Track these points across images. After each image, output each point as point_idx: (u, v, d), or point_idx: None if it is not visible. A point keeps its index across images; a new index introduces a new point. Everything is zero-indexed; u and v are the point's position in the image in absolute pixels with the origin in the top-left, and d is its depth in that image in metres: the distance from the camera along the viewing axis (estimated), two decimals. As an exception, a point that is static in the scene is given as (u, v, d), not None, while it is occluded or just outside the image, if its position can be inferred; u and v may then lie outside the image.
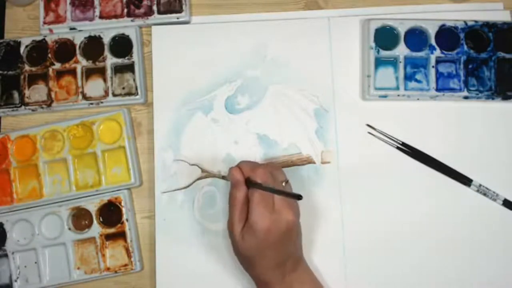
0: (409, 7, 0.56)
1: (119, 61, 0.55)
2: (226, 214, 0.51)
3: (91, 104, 0.55)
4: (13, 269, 0.52)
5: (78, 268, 0.52)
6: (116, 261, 0.52)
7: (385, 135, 0.52)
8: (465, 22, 0.53)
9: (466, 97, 0.53)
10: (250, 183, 0.43)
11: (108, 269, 0.51)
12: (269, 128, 0.54)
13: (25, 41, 0.56)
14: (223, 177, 0.51)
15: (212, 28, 0.56)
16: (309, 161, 0.52)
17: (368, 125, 0.53)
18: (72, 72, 0.55)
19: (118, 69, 0.55)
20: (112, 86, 0.55)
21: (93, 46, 0.55)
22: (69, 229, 0.52)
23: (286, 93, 0.54)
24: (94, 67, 0.55)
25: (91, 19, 0.56)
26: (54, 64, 0.55)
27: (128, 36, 0.55)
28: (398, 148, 0.52)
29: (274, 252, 0.42)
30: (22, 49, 0.56)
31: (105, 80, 0.55)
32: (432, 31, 0.53)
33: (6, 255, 0.52)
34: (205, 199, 0.52)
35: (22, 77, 0.55)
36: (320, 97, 0.54)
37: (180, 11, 0.56)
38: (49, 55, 0.55)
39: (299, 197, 0.41)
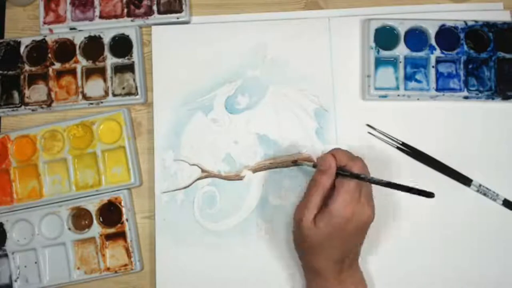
0: (409, 7, 0.56)
1: (119, 61, 0.55)
2: (226, 214, 0.52)
3: (91, 104, 0.55)
4: (13, 269, 0.52)
5: (78, 268, 0.52)
6: (116, 261, 0.52)
7: (385, 135, 0.52)
8: (465, 22, 0.53)
9: (466, 97, 0.53)
10: (345, 173, 0.42)
11: (108, 269, 0.51)
12: (269, 128, 0.54)
13: (25, 41, 0.56)
14: (294, 162, 0.51)
15: (212, 28, 0.56)
16: (309, 161, 0.52)
17: (368, 125, 0.53)
18: (72, 72, 0.55)
19: (118, 69, 0.55)
20: (112, 86, 0.55)
21: (93, 46, 0.55)
22: (69, 229, 0.52)
23: (286, 93, 0.54)
24: (94, 67, 0.55)
25: (91, 19, 0.56)
26: (54, 64, 0.55)
27: (128, 36, 0.55)
28: (398, 148, 0.52)
29: (343, 243, 0.43)
30: (22, 49, 0.56)
31: (105, 80, 0.55)
32: (432, 31, 0.53)
33: (6, 255, 0.52)
34: (205, 199, 0.52)
35: (22, 77, 0.55)
36: (320, 97, 0.54)
37: (180, 11, 0.56)
38: (49, 55, 0.55)
39: (431, 194, 0.38)
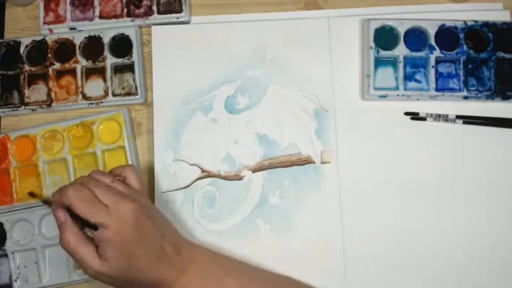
0: (409, 7, 0.56)
1: (119, 61, 0.55)
2: (226, 214, 0.52)
3: (91, 104, 0.55)
4: (13, 269, 0.52)
5: (78, 268, 0.51)
6: (116, 261, 0.52)
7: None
8: (464, 22, 0.53)
9: (465, 97, 0.53)
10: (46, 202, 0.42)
11: (108, 269, 0.51)
12: (269, 128, 0.54)
13: (25, 41, 0.56)
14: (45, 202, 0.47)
15: (212, 28, 0.56)
16: (308, 161, 0.52)
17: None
18: (72, 72, 0.55)
19: (118, 69, 0.55)
20: (112, 86, 0.55)
21: (93, 46, 0.55)
22: (69, 229, 0.52)
23: (286, 93, 0.54)
24: (94, 67, 0.55)
25: (91, 19, 0.56)
26: (54, 64, 0.55)
27: (128, 36, 0.55)
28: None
29: (142, 246, 0.39)
30: (22, 49, 0.56)
31: (105, 80, 0.55)
32: (431, 31, 0.53)
33: (6, 255, 0.52)
34: (205, 199, 0.52)
35: (22, 77, 0.55)
36: (320, 97, 0.54)
37: (180, 11, 0.56)
38: (49, 55, 0.55)
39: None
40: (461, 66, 0.53)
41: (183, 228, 0.52)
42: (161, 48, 0.55)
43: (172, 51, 0.55)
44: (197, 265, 0.42)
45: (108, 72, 0.55)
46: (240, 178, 0.53)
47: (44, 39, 0.56)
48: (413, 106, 0.53)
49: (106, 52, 0.55)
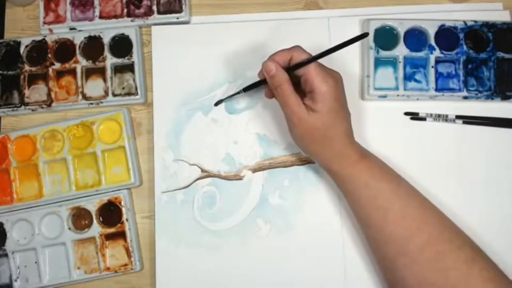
0: (409, 7, 0.56)
1: (119, 61, 0.55)
2: (226, 214, 0.52)
3: (91, 104, 0.55)
4: (13, 269, 0.52)
5: (78, 268, 0.52)
6: (116, 261, 0.52)
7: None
8: (464, 22, 0.53)
9: (465, 97, 0.53)
10: (295, 66, 0.43)
11: (108, 269, 0.51)
12: (269, 128, 0.54)
13: (25, 41, 0.56)
14: (244, 90, 0.49)
15: (212, 28, 0.56)
16: (308, 161, 0.52)
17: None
18: (72, 72, 0.55)
19: (118, 69, 0.55)
20: (112, 86, 0.55)
21: (93, 46, 0.55)
22: (69, 229, 0.52)
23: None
24: (94, 67, 0.55)
25: (91, 19, 0.56)
26: (54, 64, 0.55)
27: (128, 36, 0.55)
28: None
29: (343, 116, 0.44)
30: (22, 49, 0.56)
31: (105, 80, 0.55)
32: (431, 31, 0.53)
33: (6, 255, 0.52)
34: (205, 199, 0.52)
35: (22, 77, 0.55)
36: (320, 97, 0.54)
37: (180, 11, 0.56)
38: (49, 55, 0.55)
39: (365, 34, 0.41)
40: (461, 66, 0.53)
41: (183, 228, 0.52)
42: (161, 48, 0.55)
43: (172, 51, 0.55)
44: (374, 157, 0.46)
45: (108, 72, 0.55)
46: (240, 178, 0.53)
47: (44, 39, 0.56)
48: (413, 106, 0.53)
49: (106, 52, 0.55)
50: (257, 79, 0.47)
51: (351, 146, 0.44)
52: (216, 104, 0.52)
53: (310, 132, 0.43)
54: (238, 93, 0.50)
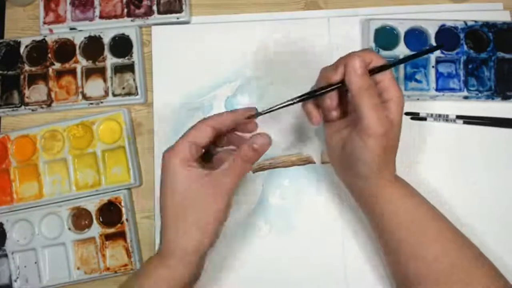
0: (409, 7, 0.56)
1: (119, 61, 0.55)
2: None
3: (91, 104, 0.55)
4: (13, 269, 0.52)
5: (78, 268, 0.52)
6: (116, 261, 0.52)
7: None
8: (465, 22, 0.53)
9: (466, 97, 0.53)
10: (376, 69, 0.39)
11: (108, 269, 0.51)
12: (269, 128, 0.53)
13: (25, 41, 0.56)
14: (300, 100, 0.43)
15: (212, 28, 0.56)
16: (309, 161, 0.52)
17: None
18: (72, 72, 0.55)
19: (118, 69, 0.55)
20: (112, 86, 0.55)
21: (93, 46, 0.55)
22: (69, 229, 0.52)
23: (286, 93, 0.54)
24: (94, 67, 0.55)
25: (91, 19, 0.56)
26: (54, 64, 0.55)
27: (128, 36, 0.55)
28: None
29: (397, 139, 0.41)
30: (22, 49, 0.56)
31: (105, 80, 0.55)
32: (432, 31, 0.53)
33: (6, 255, 0.52)
34: (205, 199, 0.52)
35: (22, 77, 0.55)
36: (320, 97, 0.54)
37: (180, 11, 0.56)
38: (49, 55, 0.55)
39: (441, 46, 0.41)
40: (461, 66, 0.53)
41: (183, 228, 0.52)
42: (161, 48, 0.55)
43: (172, 51, 0.55)
44: (403, 182, 0.44)
45: (108, 72, 0.55)
46: (240, 178, 0.53)
47: (44, 39, 0.56)
48: (413, 106, 0.53)
49: (106, 52, 0.55)
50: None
51: (387, 169, 0.42)
52: (257, 115, 0.45)
53: (387, 143, 0.39)
54: (289, 103, 0.43)
